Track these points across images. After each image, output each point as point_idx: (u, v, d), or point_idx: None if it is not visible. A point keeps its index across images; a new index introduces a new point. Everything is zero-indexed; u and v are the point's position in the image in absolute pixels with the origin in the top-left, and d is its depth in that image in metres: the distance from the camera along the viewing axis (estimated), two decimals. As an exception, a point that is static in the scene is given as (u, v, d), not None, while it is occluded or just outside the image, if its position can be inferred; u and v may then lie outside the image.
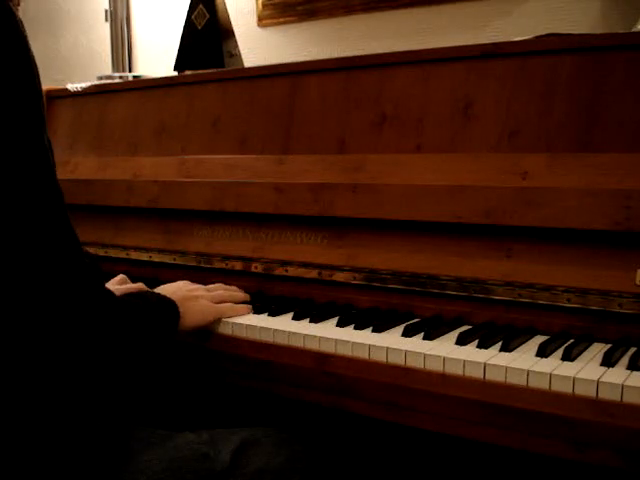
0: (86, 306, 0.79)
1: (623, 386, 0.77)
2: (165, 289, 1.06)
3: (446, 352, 0.89)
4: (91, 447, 0.88)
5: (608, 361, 0.84)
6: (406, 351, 0.91)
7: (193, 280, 1.35)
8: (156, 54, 2.32)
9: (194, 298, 1.05)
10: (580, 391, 0.79)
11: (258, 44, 2.05)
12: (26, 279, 0.75)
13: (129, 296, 0.96)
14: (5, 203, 0.73)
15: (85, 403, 0.86)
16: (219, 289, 1.15)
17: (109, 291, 0.85)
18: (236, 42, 1.81)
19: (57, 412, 0.83)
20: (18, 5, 0.90)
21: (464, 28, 1.70)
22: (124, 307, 0.88)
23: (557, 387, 0.80)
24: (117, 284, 1.21)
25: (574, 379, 0.80)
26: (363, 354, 0.94)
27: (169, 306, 0.98)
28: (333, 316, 1.08)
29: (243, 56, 1.84)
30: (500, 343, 0.92)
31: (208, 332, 1.07)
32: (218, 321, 1.08)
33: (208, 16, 1.77)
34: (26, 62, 0.74)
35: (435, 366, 0.89)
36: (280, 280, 1.25)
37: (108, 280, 1.22)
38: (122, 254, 1.48)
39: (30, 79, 0.74)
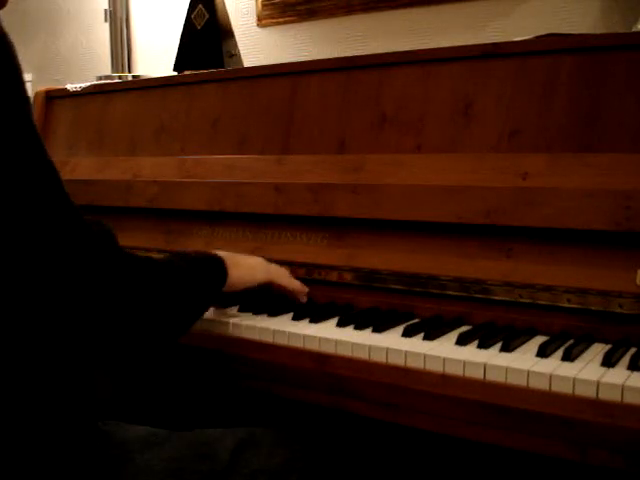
0: (99, 263, 0.75)
1: (623, 386, 0.77)
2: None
3: (446, 352, 0.89)
4: (91, 447, 0.87)
5: (608, 361, 0.84)
6: (406, 351, 0.91)
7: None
8: (155, 54, 2.32)
9: (247, 257, 1.00)
10: (580, 391, 0.79)
11: (258, 44, 2.05)
12: (26, 248, 0.73)
13: (167, 256, 0.92)
14: None
15: (84, 399, 0.86)
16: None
17: (123, 249, 0.81)
18: (236, 42, 1.81)
19: (54, 413, 0.82)
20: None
21: (464, 28, 1.70)
22: (150, 264, 0.83)
23: (557, 387, 0.80)
24: None
25: (574, 379, 0.80)
26: (363, 354, 0.94)
27: (213, 260, 0.93)
28: (333, 316, 1.08)
29: (243, 56, 1.84)
30: (500, 343, 0.92)
31: (207, 332, 1.07)
32: (217, 320, 1.07)
33: (207, 16, 1.77)
34: (7, 57, 0.73)
35: (435, 366, 0.88)
36: (280, 280, 1.24)
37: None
38: (122, 254, 1.48)
39: (5, 57, 0.73)
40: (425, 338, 0.96)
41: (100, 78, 2.04)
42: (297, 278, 1.21)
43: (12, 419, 0.78)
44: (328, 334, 0.99)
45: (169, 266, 0.87)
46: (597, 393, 0.78)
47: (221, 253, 0.98)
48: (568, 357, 0.86)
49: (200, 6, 1.77)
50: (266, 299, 1.19)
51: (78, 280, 0.74)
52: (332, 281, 1.18)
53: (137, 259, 0.82)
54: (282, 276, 1.07)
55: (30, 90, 2.22)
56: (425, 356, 0.89)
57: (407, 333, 0.98)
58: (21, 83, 0.75)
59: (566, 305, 0.97)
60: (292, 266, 1.23)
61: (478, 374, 0.85)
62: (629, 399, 0.76)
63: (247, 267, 1.00)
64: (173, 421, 1.06)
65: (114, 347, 0.79)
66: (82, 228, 0.76)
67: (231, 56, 1.77)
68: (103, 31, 2.38)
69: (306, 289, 1.12)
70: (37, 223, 0.73)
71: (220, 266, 0.95)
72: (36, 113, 1.73)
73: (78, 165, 1.64)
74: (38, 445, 0.80)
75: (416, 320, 1.07)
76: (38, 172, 0.74)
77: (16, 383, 0.77)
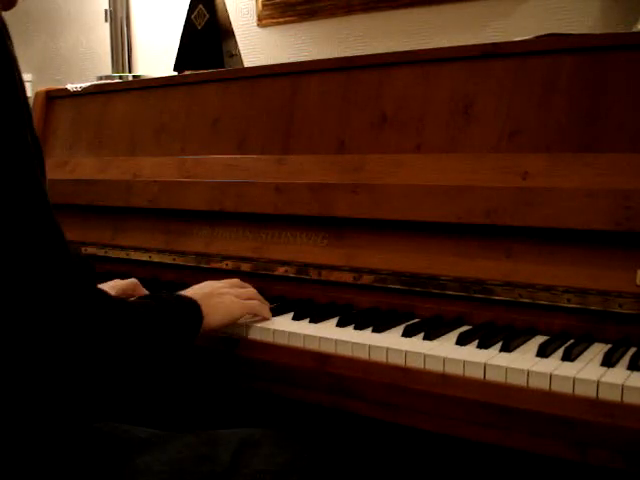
0: (72, 306, 0.74)
1: (623, 386, 0.77)
2: (187, 290, 1.02)
3: (446, 352, 0.89)
4: (90, 448, 0.87)
5: (608, 361, 0.84)
6: (406, 351, 0.91)
7: (193, 281, 1.35)
8: (156, 54, 2.32)
9: (218, 295, 1.01)
10: (580, 391, 0.79)
11: (258, 44, 2.05)
12: (5, 278, 0.71)
13: (141, 298, 0.93)
14: None
15: (82, 406, 0.85)
16: (248, 289, 1.10)
17: (100, 290, 0.80)
18: (236, 42, 1.81)
19: (52, 415, 0.82)
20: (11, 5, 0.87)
21: (464, 28, 1.70)
22: (125, 308, 0.83)
23: (557, 387, 0.80)
24: (112, 282, 1.21)
25: (574, 379, 0.80)
26: (363, 354, 0.94)
27: (189, 305, 0.94)
28: (333, 316, 1.08)
29: (243, 56, 1.84)
30: (500, 343, 0.92)
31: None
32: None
33: (208, 16, 1.76)
34: (4, 59, 0.72)
35: (435, 366, 0.89)
36: (280, 280, 1.25)
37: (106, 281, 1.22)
38: (122, 254, 1.48)
39: (6, 72, 0.72)
40: (425, 338, 0.96)
41: (100, 78, 2.03)
42: (297, 278, 1.22)
43: (10, 421, 0.78)
44: (328, 334, 0.99)
45: (142, 311, 0.86)
46: (597, 393, 0.78)
47: (197, 294, 0.97)
48: (568, 357, 0.86)
49: (200, 6, 1.77)
50: (266, 299, 1.19)
51: (47, 310, 0.72)
52: (332, 281, 1.18)
53: (110, 300, 0.81)
54: (255, 306, 1.06)
55: (30, 90, 2.22)
56: (425, 356, 0.89)
57: (407, 333, 0.98)
58: (14, 85, 0.71)
59: (566, 305, 0.97)
60: (292, 266, 1.23)
61: (478, 374, 0.85)
62: (629, 399, 0.76)
63: (224, 308, 1.00)
64: (173, 422, 1.06)
65: (79, 381, 0.77)
66: (63, 256, 0.74)
67: (231, 56, 1.77)
68: (103, 31, 2.38)
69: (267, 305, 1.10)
70: (17, 247, 0.71)
71: (196, 312, 0.94)
72: (36, 113, 1.73)
73: (78, 165, 1.64)
74: (38, 446, 0.80)
75: (416, 320, 1.07)
76: (24, 194, 0.72)
77: (12, 385, 0.77)
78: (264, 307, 1.08)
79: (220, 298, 1.01)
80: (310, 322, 1.06)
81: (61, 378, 0.76)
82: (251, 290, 1.10)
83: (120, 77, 2.07)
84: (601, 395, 0.78)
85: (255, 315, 1.07)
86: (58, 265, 0.74)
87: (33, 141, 0.75)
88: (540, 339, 0.95)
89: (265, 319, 1.07)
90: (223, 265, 1.32)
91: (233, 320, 1.02)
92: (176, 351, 0.89)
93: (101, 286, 1.19)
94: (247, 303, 1.05)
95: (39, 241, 0.73)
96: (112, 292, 1.19)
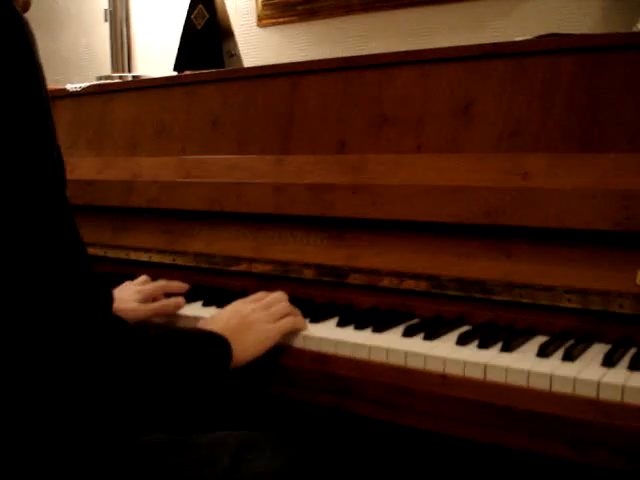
0: (86, 329, 0.71)
1: (624, 387, 0.77)
2: (214, 320, 0.97)
3: (446, 352, 0.89)
4: (88, 452, 0.87)
5: (609, 362, 0.84)
6: (406, 351, 0.91)
7: (193, 280, 1.35)
8: (156, 54, 2.32)
9: (248, 325, 0.96)
10: (581, 392, 0.79)
11: (258, 44, 2.05)
12: (24, 298, 0.68)
13: (166, 331, 0.88)
14: (6, 218, 0.68)
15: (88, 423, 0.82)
16: (278, 301, 1.04)
17: (117, 318, 0.77)
18: (236, 42, 1.81)
19: (59, 422, 0.80)
20: (27, 8, 0.87)
21: (464, 28, 1.70)
22: (142, 340, 0.79)
23: (558, 388, 0.80)
24: (139, 284, 1.21)
25: (575, 380, 0.80)
26: (363, 355, 0.94)
27: (218, 343, 0.89)
28: (333, 316, 1.08)
29: (243, 56, 1.84)
30: (501, 344, 0.92)
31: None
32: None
33: (208, 16, 1.76)
34: (31, 67, 0.71)
35: (435, 366, 0.88)
36: (280, 280, 1.24)
37: (118, 285, 1.22)
38: (122, 255, 1.48)
39: (34, 85, 0.71)
40: (425, 338, 0.96)
41: (100, 78, 2.03)
42: (296, 278, 1.22)
43: (8, 421, 0.77)
44: (328, 334, 0.99)
45: (162, 345, 0.82)
46: (598, 393, 0.78)
47: (226, 328, 0.93)
48: (568, 357, 0.86)
49: (200, 6, 1.77)
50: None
51: (60, 330, 0.70)
52: (332, 281, 1.18)
53: (126, 330, 0.77)
54: (288, 327, 1.00)
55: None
56: (425, 356, 0.89)
57: (407, 333, 0.98)
58: (41, 94, 0.70)
59: (566, 305, 0.97)
60: (292, 266, 1.23)
61: (478, 374, 0.85)
62: (629, 399, 0.76)
63: (255, 342, 0.95)
64: (171, 425, 1.06)
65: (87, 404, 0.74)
66: (84, 276, 0.72)
67: (231, 56, 1.77)
68: (103, 31, 2.38)
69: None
70: (39, 262, 0.69)
71: (225, 351, 0.90)
72: (36, 113, 1.73)
73: (78, 165, 1.64)
74: (37, 449, 0.80)
75: (416, 320, 1.07)
76: (49, 211, 0.70)
77: (20, 395, 0.75)
78: (298, 321, 1.02)
79: (251, 330, 0.95)
80: (310, 322, 1.05)
81: (67, 397, 0.73)
82: (282, 304, 1.03)
83: (120, 77, 2.07)
84: (602, 395, 0.78)
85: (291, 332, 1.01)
86: (78, 285, 0.72)
87: (57, 152, 0.75)
88: (540, 339, 0.95)
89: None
90: (223, 265, 1.32)
91: (265, 352, 0.96)
92: (199, 388, 0.86)
93: (119, 289, 1.18)
94: (281, 327, 0.99)
95: (62, 257, 0.71)
96: (138, 296, 1.17)
